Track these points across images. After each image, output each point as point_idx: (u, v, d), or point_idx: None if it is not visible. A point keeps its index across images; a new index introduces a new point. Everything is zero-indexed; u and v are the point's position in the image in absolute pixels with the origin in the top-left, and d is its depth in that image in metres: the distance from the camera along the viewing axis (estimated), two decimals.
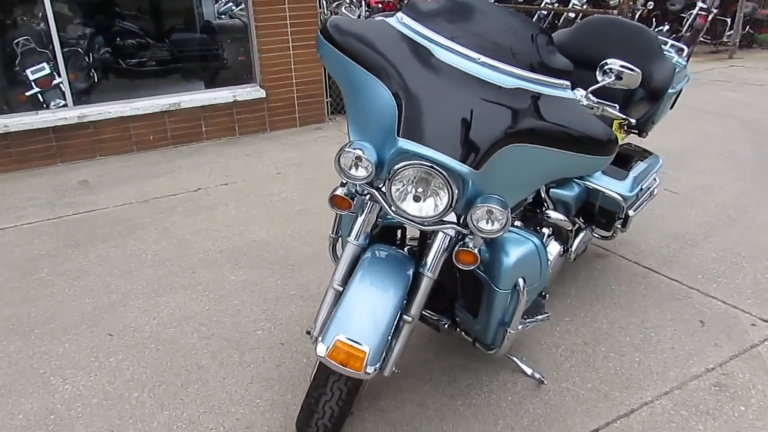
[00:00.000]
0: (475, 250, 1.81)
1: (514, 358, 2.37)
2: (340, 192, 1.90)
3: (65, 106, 5.03)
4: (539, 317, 2.30)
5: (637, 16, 10.04)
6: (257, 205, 4.05)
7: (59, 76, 5.03)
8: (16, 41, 5.19)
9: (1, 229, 3.81)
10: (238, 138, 5.60)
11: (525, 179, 1.84)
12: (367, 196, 1.86)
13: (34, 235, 3.70)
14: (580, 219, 2.78)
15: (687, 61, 2.98)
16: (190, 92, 5.38)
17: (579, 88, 1.95)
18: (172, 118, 5.29)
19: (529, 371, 2.33)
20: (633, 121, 2.06)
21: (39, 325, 2.75)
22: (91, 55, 6.01)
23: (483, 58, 1.75)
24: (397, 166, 1.69)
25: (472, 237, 1.80)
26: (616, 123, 2.26)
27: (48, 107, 5.09)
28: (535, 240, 1.99)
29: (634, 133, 2.94)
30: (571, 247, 2.63)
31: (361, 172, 1.82)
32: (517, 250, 1.95)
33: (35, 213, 4.04)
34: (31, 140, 4.79)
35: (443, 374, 2.37)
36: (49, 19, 4.77)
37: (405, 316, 1.93)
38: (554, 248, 2.52)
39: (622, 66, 1.97)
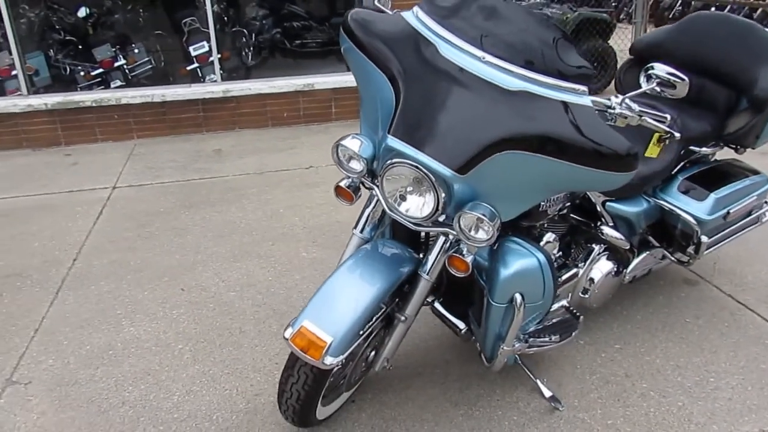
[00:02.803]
0: (468, 258, 1.75)
1: (535, 378, 2.24)
2: (343, 184, 1.94)
3: (215, 81, 5.59)
4: (563, 339, 2.14)
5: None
6: None
7: (216, 53, 5.59)
8: (184, 21, 5.87)
9: (139, 185, 4.39)
10: None
11: (523, 189, 1.72)
12: (373, 190, 1.88)
13: (160, 193, 4.20)
14: (654, 239, 2.50)
15: None
16: (324, 74, 5.65)
17: (617, 94, 1.76)
18: (306, 98, 5.62)
19: (547, 393, 2.18)
20: (677, 135, 1.79)
21: (132, 272, 3.16)
22: (254, 35, 6.55)
23: (488, 57, 1.66)
24: (385, 164, 1.69)
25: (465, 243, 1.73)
26: (655, 136, 1.98)
27: (204, 81, 5.69)
28: (540, 255, 1.85)
29: (732, 149, 2.56)
30: (626, 267, 2.38)
31: (356, 165, 1.84)
32: (517, 263, 1.83)
33: (170, 174, 4.58)
34: (183, 109, 5.40)
35: (458, 380, 2.31)
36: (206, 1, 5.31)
37: (399, 315, 1.93)
38: (604, 266, 2.32)
39: (666, 72, 1.73)
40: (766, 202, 2.68)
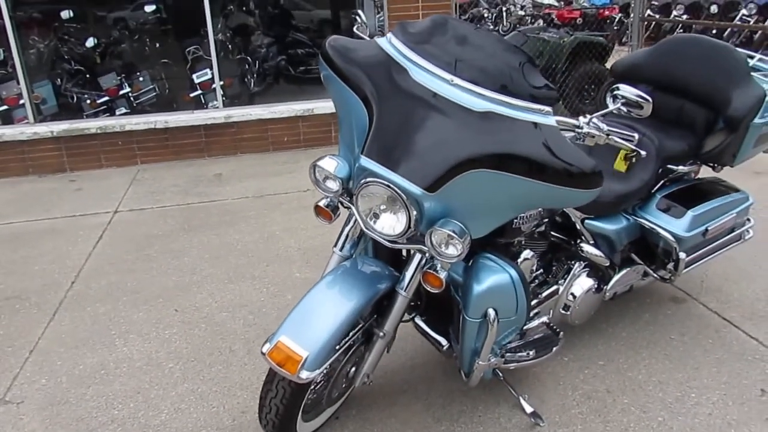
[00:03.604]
0: (442, 275, 1.80)
1: (518, 394, 2.26)
2: (321, 203, 2.00)
3: (217, 107, 5.72)
4: (541, 354, 2.16)
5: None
6: None
7: (218, 80, 5.73)
8: (188, 49, 6.03)
9: (140, 209, 4.48)
10: None
11: (492, 206, 1.77)
12: (351, 209, 1.94)
13: (160, 217, 4.29)
14: (636, 256, 2.53)
15: None
16: (323, 99, 5.77)
17: (586, 114, 1.82)
18: (306, 123, 5.73)
19: (529, 409, 2.21)
20: (643, 153, 1.84)
21: (129, 293, 3.23)
22: (258, 62, 6.69)
23: (456, 80, 1.73)
24: (359, 183, 1.75)
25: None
26: (621, 153, 2.03)
27: (207, 107, 5.83)
28: (512, 272, 1.90)
29: (710, 167, 2.60)
30: (606, 284, 2.41)
31: (332, 185, 1.91)
32: (490, 279, 1.88)
33: (171, 198, 4.67)
34: (186, 135, 5.52)
35: (441, 396, 2.34)
36: (208, 29, 5.46)
37: (377, 331, 1.97)
38: (584, 283, 2.36)
39: (631, 93, 1.79)
40: (748, 219, 2.70)
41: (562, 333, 2.26)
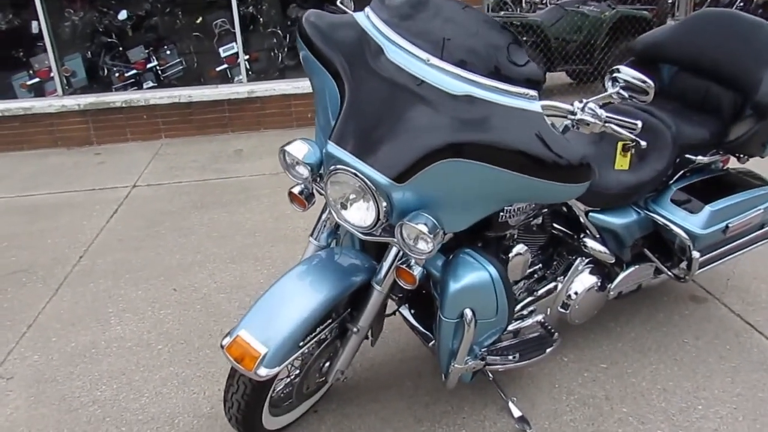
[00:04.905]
0: (415, 271, 1.68)
1: (506, 396, 2.13)
2: (295, 190, 1.89)
3: (242, 82, 5.66)
4: (533, 357, 2.02)
5: None
6: None
7: (242, 54, 5.66)
8: (215, 23, 5.97)
9: (158, 184, 4.48)
10: None
11: (468, 199, 1.62)
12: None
13: (176, 193, 4.28)
14: (650, 252, 2.34)
15: None
16: None
17: (582, 99, 1.63)
18: None
19: (517, 414, 2.07)
20: (643, 144, 1.65)
21: (132, 271, 3.22)
22: (289, 36, 6.58)
23: (433, 60, 1.57)
24: (327, 170, 1.64)
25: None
26: (619, 145, 1.83)
27: (233, 82, 5.77)
28: (492, 270, 1.75)
29: (736, 157, 2.36)
30: (611, 281, 2.23)
31: (302, 171, 1.80)
32: (468, 277, 1.74)
33: (189, 174, 4.66)
34: (209, 110, 5.50)
35: (427, 394, 2.22)
36: (232, 2, 5.37)
37: (351, 326, 1.87)
38: (586, 280, 2.19)
39: (631, 76, 1.60)
40: None
41: (557, 334, 2.11)
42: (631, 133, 1.62)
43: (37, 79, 5.57)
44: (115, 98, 5.34)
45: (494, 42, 1.60)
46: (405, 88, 1.58)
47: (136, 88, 5.79)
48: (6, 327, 2.76)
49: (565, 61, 5.91)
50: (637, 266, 2.27)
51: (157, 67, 5.86)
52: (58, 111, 5.26)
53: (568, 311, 2.19)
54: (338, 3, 1.99)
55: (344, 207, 1.67)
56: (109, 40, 5.98)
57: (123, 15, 6.06)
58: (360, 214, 1.65)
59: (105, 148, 5.35)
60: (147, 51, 5.87)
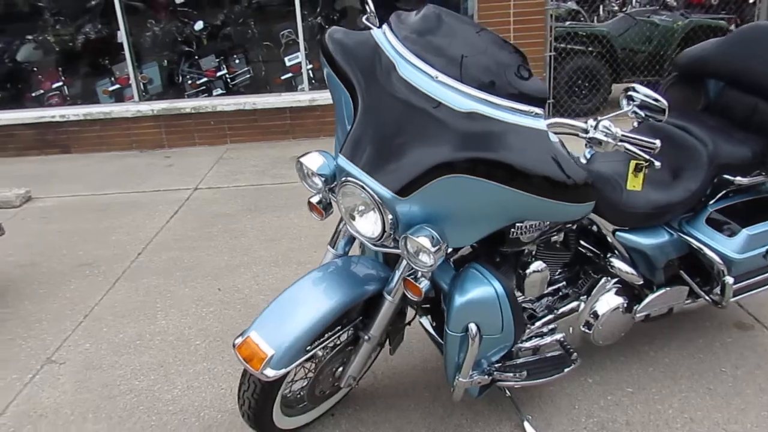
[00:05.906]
0: (422, 284, 1.71)
1: (522, 414, 2.11)
2: (314, 200, 1.97)
3: (303, 90, 5.84)
4: (548, 375, 1.99)
5: None
6: None
7: (305, 63, 5.85)
8: (281, 33, 6.20)
9: (218, 187, 4.71)
10: None
11: (473, 215, 1.64)
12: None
13: (233, 197, 4.48)
14: (690, 275, 2.25)
15: None
16: None
17: (596, 117, 1.62)
18: None
19: None
20: (657, 164, 1.59)
21: (183, 270, 3.40)
22: None
23: (441, 77, 1.60)
24: (339, 182, 1.70)
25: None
26: (632, 165, 1.76)
27: (296, 90, 5.97)
28: (497, 285, 1.74)
29: None
30: (638, 304, 2.16)
31: (318, 182, 1.87)
32: (473, 291, 1.74)
33: (247, 178, 4.86)
34: (273, 117, 5.71)
35: (443, 406, 2.23)
36: (296, 11, 5.56)
37: (363, 334, 1.92)
38: (612, 301, 2.14)
39: (645, 94, 1.57)
40: None
41: (576, 354, 2.06)
42: (649, 153, 1.58)
43: (117, 86, 5.97)
44: (185, 104, 5.65)
45: (501, 60, 1.61)
46: (413, 103, 1.61)
47: (206, 95, 6.09)
48: (66, 315, 2.99)
49: (633, 73, 5.72)
50: (667, 289, 2.19)
51: (227, 75, 6.15)
52: (134, 116, 5.62)
53: (591, 331, 2.14)
54: (363, 20, 2.06)
55: (355, 218, 1.72)
56: (187, 48, 6.34)
57: (199, 25, 6.39)
58: (369, 225, 1.69)
59: (174, 152, 5.66)
60: (218, 60, 6.17)
